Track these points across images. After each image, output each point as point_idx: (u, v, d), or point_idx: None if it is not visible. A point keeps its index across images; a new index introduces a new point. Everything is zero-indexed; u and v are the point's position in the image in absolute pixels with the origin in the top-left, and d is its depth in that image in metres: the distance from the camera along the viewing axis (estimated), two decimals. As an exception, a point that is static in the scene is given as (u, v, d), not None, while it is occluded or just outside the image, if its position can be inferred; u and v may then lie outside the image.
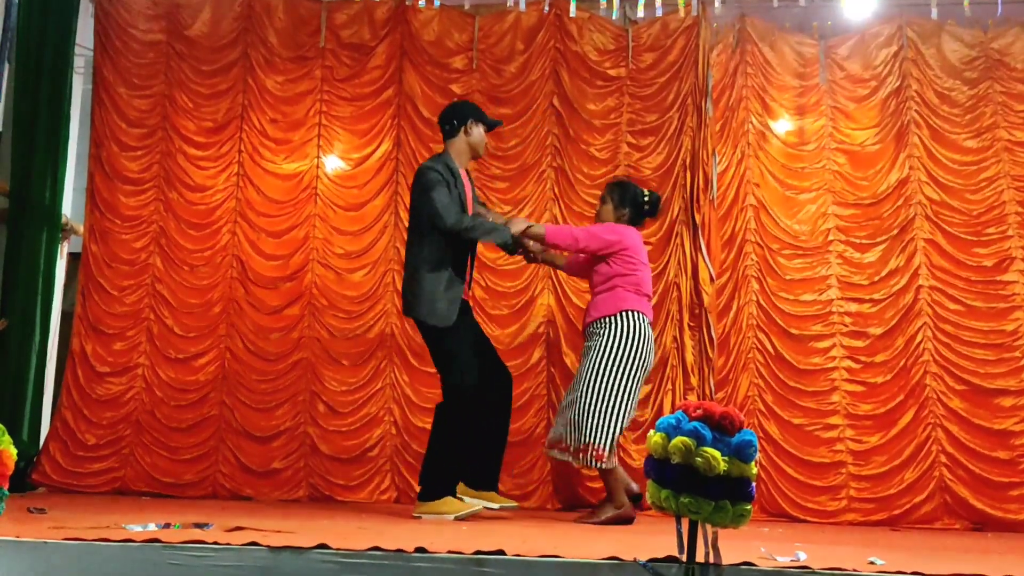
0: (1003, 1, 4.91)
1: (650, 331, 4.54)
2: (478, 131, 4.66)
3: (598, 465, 4.36)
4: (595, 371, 4.42)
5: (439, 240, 4.43)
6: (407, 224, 4.73)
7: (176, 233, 5.94)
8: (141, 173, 6.02)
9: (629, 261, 4.57)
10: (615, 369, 4.41)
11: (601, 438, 4.34)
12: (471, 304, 4.79)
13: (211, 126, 6.08)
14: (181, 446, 5.66)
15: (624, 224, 4.69)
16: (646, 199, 4.77)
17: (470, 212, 4.58)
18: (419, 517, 4.28)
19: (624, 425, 4.47)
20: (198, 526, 3.15)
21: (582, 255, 4.76)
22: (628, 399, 4.43)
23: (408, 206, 4.73)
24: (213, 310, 5.86)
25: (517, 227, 4.57)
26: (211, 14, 6.18)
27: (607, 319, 4.49)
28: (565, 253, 4.93)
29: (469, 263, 4.61)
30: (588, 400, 4.38)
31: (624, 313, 4.48)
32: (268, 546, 2.52)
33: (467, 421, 4.38)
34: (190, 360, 5.80)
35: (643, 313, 4.53)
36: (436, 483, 4.37)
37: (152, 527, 3.07)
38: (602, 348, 4.44)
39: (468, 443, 4.44)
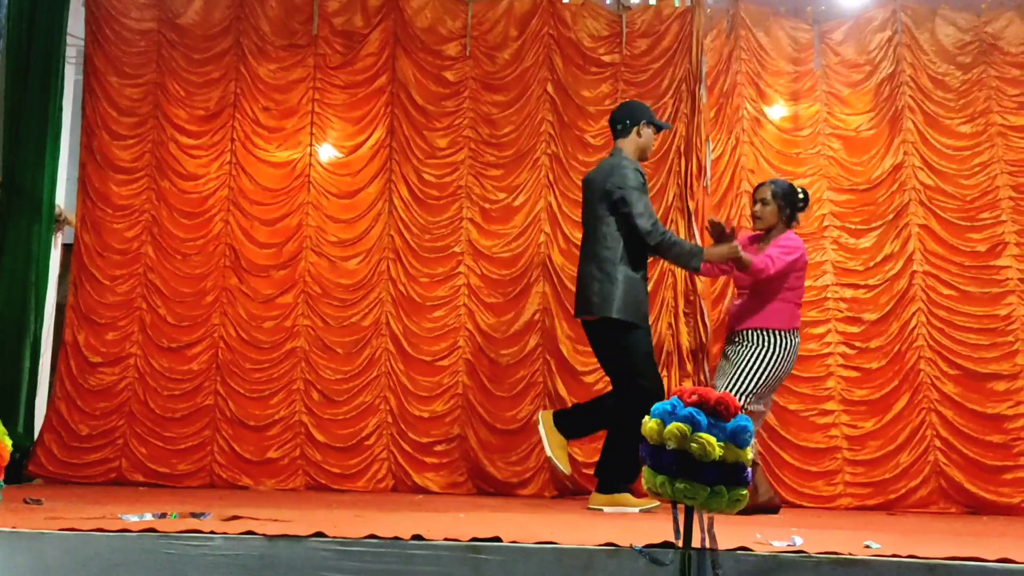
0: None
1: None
2: (648, 133, 4.66)
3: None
4: (744, 372, 4.49)
5: (637, 241, 4.44)
6: (589, 220, 4.61)
7: (168, 222, 5.91)
8: (133, 162, 5.98)
9: (800, 276, 4.68)
10: (762, 374, 4.49)
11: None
12: None
13: (203, 114, 6.04)
14: (176, 436, 5.65)
15: (790, 228, 4.72)
16: (800, 196, 4.78)
17: None
18: (599, 509, 4.28)
19: None
20: (195, 515, 3.14)
21: (717, 269, 4.85)
22: (768, 401, 4.67)
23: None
24: (206, 299, 5.84)
25: (720, 253, 4.48)
26: (203, 2, 6.14)
27: (779, 332, 4.55)
28: None
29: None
30: (745, 398, 4.42)
31: (794, 331, 4.59)
32: (265, 535, 2.52)
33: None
34: (183, 349, 5.78)
35: (799, 329, 4.69)
36: (619, 477, 4.39)
37: (148, 517, 3.06)
38: (753, 355, 4.52)
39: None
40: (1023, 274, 5.50)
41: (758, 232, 4.83)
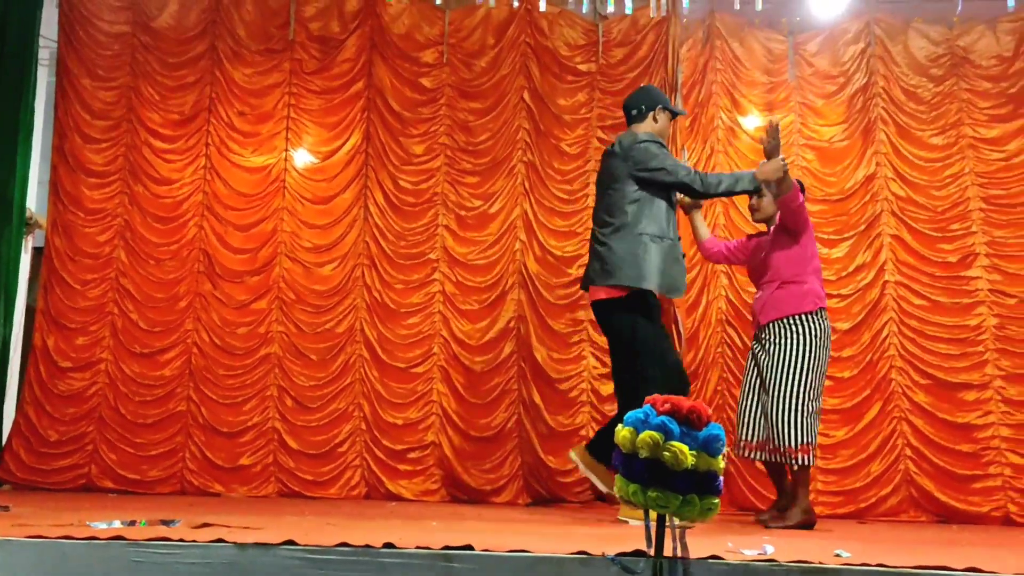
0: (966, -1, 4.98)
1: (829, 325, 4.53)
2: (664, 118, 4.52)
3: (806, 463, 4.32)
4: (799, 370, 4.33)
5: (662, 210, 4.29)
6: (606, 193, 4.40)
7: (141, 226, 5.88)
8: (106, 166, 5.95)
9: (814, 240, 4.57)
10: (815, 368, 4.36)
11: (815, 437, 4.34)
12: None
13: (178, 118, 6.01)
14: (147, 442, 5.61)
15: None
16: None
17: None
18: (626, 522, 4.06)
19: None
20: (164, 523, 3.12)
21: (726, 252, 4.86)
22: (821, 394, 4.48)
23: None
24: (179, 304, 5.80)
25: (773, 166, 4.29)
26: (178, 6, 6.12)
27: (803, 317, 4.38)
28: (705, 232, 4.95)
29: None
30: (798, 400, 4.30)
31: (819, 312, 4.41)
32: (235, 543, 2.50)
33: None
34: (155, 355, 5.74)
35: (826, 308, 4.51)
36: None
37: (117, 524, 3.04)
38: (802, 347, 4.34)
39: None
40: (993, 285, 5.56)
41: (759, 229, 4.82)
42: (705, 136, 5.87)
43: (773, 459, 4.40)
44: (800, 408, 4.30)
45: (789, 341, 4.38)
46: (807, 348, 4.35)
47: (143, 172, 5.94)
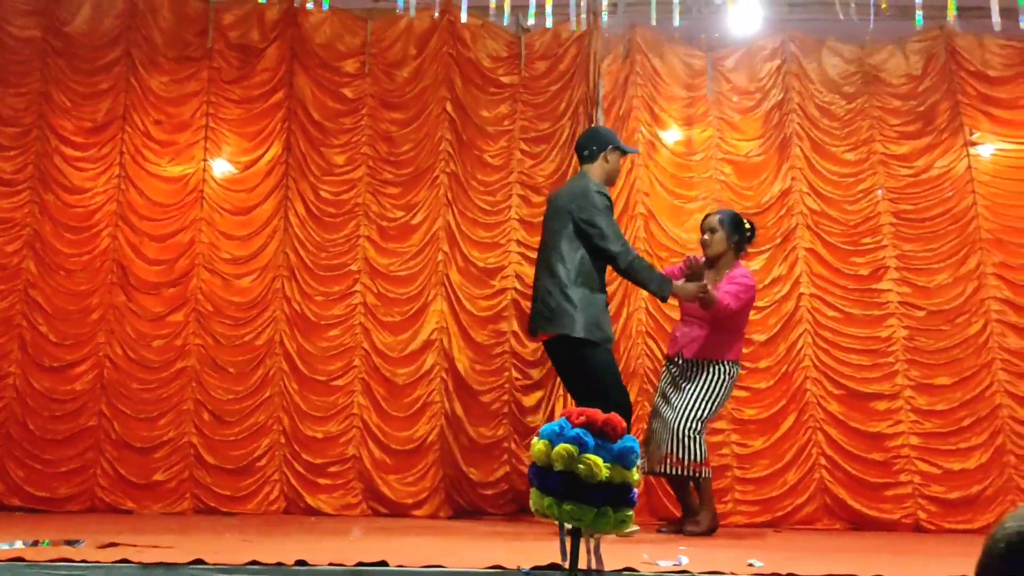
0: (877, 19, 5.10)
1: None
2: (615, 158, 4.64)
3: (707, 476, 4.62)
4: (700, 402, 4.64)
5: (599, 260, 4.44)
6: (552, 236, 4.53)
7: (52, 236, 5.71)
8: (14, 174, 5.77)
9: (749, 311, 4.89)
10: (715, 403, 4.70)
11: (706, 454, 4.62)
12: None
13: (91, 126, 5.86)
14: (56, 458, 5.44)
15: (739, 258, 4.87)
16: (748, 227, 4.88)
17: None
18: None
19: None
20: (69, 543, 3.02)
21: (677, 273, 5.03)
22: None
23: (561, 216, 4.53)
24: (91, 316, 5.65)
25: (688, 291, 4.54)
26: (91, 11, 5.96)
27: (718, 364, 4.70)
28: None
29: None
30: (694, 424, 4.59)
31: (733, 363, 4.76)
32: (140, 563, 2.43)
33: None
34: (66, 369, 5.57)
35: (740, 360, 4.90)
36: None
37: (19, 544, 2.93)
38: (708, 385, 4.67)
39: None
40: (903, 297, 5.71)
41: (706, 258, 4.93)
42: (626, 150, 5.91)
43: (675, 472, 4.64)
44: (702, 431, 4.63)
45: (707, 378, 4.70)
46: (719, 388, 4.70)
47: (54, 181, 5.78)
